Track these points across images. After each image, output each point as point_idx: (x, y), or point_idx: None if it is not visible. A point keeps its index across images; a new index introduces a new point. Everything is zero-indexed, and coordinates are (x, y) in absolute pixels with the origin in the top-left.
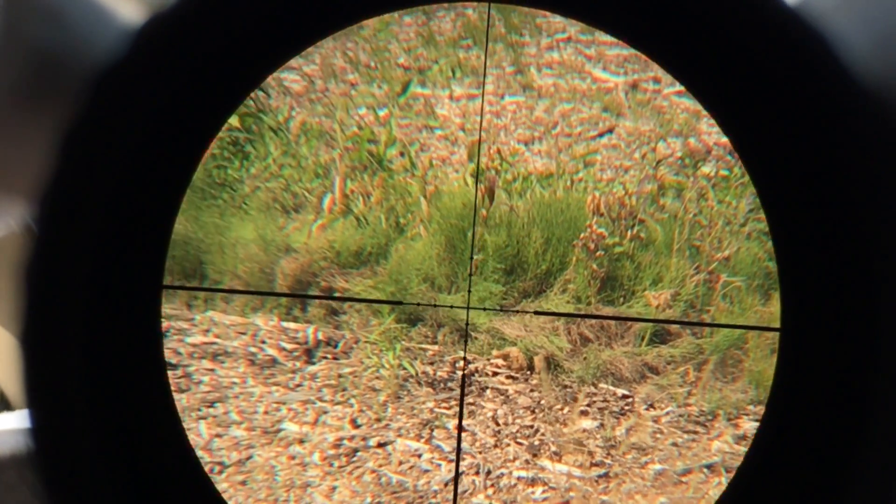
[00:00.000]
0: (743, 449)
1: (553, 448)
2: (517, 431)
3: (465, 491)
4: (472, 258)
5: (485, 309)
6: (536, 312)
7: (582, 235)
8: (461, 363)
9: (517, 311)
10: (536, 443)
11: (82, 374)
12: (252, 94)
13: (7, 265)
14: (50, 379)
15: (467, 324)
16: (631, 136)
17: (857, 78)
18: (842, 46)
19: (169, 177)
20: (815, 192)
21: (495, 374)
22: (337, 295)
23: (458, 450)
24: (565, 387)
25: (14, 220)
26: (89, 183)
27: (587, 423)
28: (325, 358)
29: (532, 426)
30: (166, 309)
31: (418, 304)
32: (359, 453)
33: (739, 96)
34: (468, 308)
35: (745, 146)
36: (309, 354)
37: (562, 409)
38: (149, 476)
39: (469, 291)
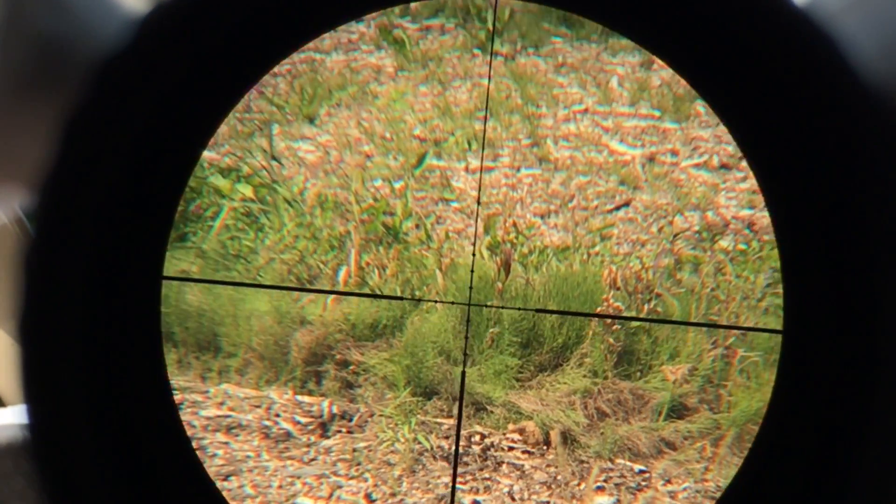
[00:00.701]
0: None
1: None
2: None
3: None
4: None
5: (486, 306)
6: (538, 310)
7: (598, 309)
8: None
9: (519, 309)
10: None
11: (80, 366)
12: (267, 164)
13: (4, 255)
14: (48, 372)
15: (468, 322)
16: (648, 210)
17: (865, 80)
18: (850, 48)
19: (171, 166)
20: (821, 193)
21: (511, 448)
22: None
23: (456, 456)
24: (582, 462)
25: (13, 210)
26: (90, 172)
27: (603, 500)
28: (340, 432)
29: (548, 502)
30: (180, 381)
31: (419, 300)
32: None
33: (746, 96)
34: (469, 305)
35: (751, 146)
36: (324, 428)
37: (578, 484)
38: (147, 470)
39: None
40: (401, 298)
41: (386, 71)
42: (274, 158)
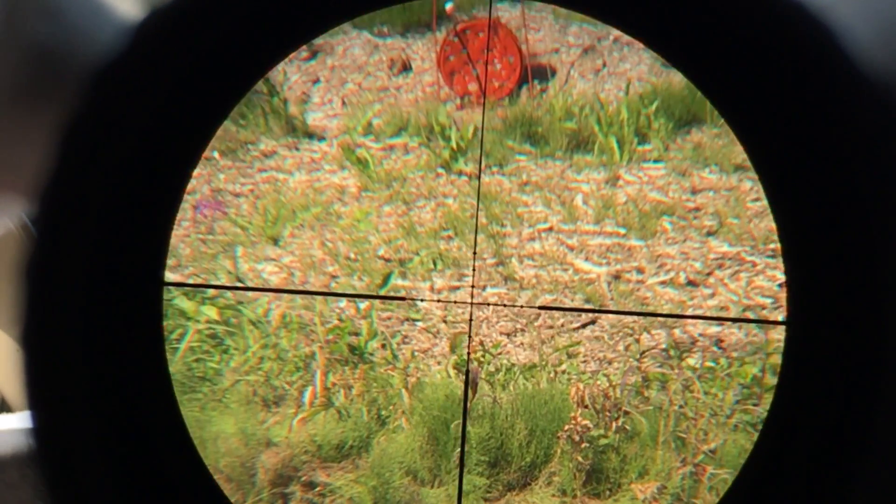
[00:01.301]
0: None
1: None
2: None
3: None
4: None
5: (488, 304)
6: (541, 308)
7: (566, 427)
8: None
9: (521, 307)
10: None
11: (83, 373)
12: (230, 290)
13: (6, 264)
14: (51, 378)
15: (471, 319)
16: (614, 328)
17: (861, 69)
18: (846, 37)
19: (169, 173)
20: (821, 183)
21: None
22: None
23: (462, 454)
24: None
25: (13, 219)
26: (89, 180)
27: None
28: None
29: None
30: None
31: (420, 300)
32: None
33: (742, 87)
34: (472, 304)
35: (750, 139)
36: None
37: None
38: (152, 475)
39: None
40: (402, 299)
41: (349, 191)
42: (238, 280)
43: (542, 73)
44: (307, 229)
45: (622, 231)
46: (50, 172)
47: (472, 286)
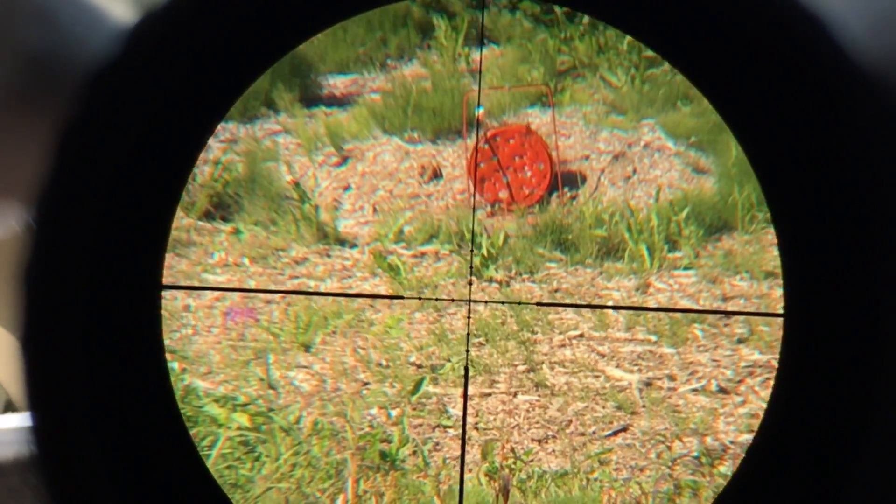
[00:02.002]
0: None
1: None
2: None
3: None
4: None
5: (487, 302)
6: (539, 304)
7: None
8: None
9: (520, 304)
10: None
11: (83, 375)
12: (263, 392)
13: (6, 268)
14: (51, 381)
15: (469, 317)
16: (646, 435)
17: (855, 60)
18: (840, 31)
19: (165, 176)
20: (816, 176)
21: None
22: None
23: (463, 445)
24: None
25: (11, 223)
26: (86, 184)
27: None
28: None
29: None
30: None
31: (420, 299)
32: None
33: (737, 80)
34: (469, 301)
35: (744, 132)
36: None
37: None
38: (152, 477)
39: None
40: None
41: (381, 299)
42: (271, 387)
43: (573, 180)
44: (339, 336)
45: (653, 338)
46: (47, 177)
47: (470, 282)
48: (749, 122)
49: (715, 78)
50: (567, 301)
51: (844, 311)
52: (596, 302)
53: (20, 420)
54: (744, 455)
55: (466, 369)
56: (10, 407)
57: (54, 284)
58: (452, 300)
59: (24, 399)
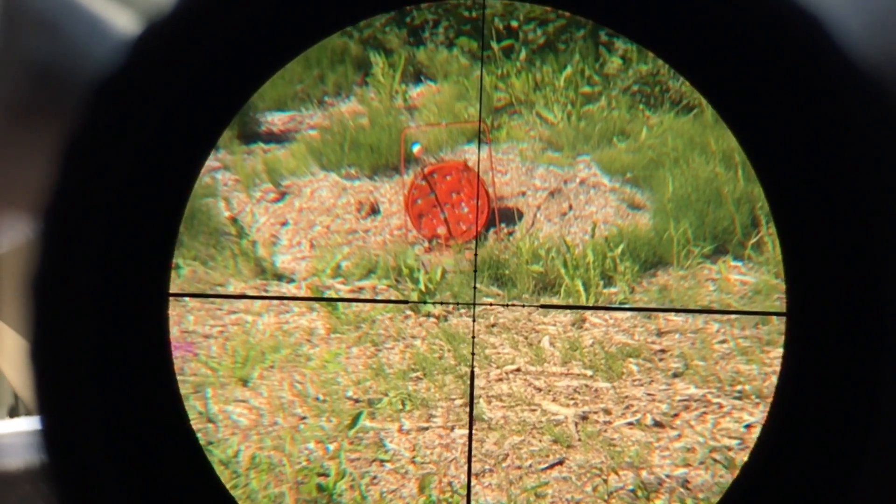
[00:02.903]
0: None
1: None
2: None
3: None
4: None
5: (490, 304)
6: (542, 306)
7: None
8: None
9: (523, 306)
10: None
11: (92, 383)
12: (202, 425)
13: (14, 278)
14: (60, 389)
15: (473, 318)
16: (582, 468)
17: (852, 59)
18: (837, 28)
19: (171, 184)
20: (816, 175)
21: None
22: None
23: (470, 447)
24: None
25: (19, 234)
26: (91, 194)
27: None
28: None
29: None
30: None
31: (425, 302)
32: None
33: (736, 80)
34: (474, 304)
35: (744, 132)
36: None
37: None
38: (160, 481)
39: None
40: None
41: (318, 333)
42: (209, 421)
43: (510, 216)
44: (276, 371)
45: (589, 373)
46: (53, 188)
47: (475, 287)
48: (748, 122)
49: (713, 78)
50: (505, 336)
51: (846, 310)
52: (532, 337)
53: (29, 425)
54: (749, 452)
55: (472, 373)
56: (18, 411)
57: (62, 293)
58: (458, 303)
59: (34, 405)
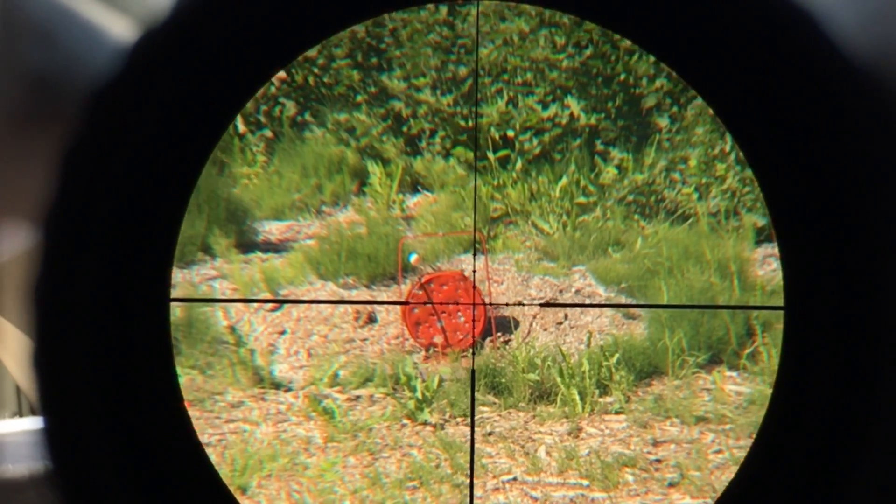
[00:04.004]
0: None
1: None
2: None
3: None
4: None
5: (492, 305)
6: (542, 304)
7: None
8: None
9: (523, 305)
10: None
11: (94, 388)
12: None
13: (16, 285)
14: (63, 394)
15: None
16: None
17: (847, 55)
18: (831, 24)
19: (170, 190)
20: (812, 170)
21: None
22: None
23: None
24: None
25: (19, 242)
26: (91, 200)
27: None
28: None
29: None
30: None
31: (425, 303)
32: None
33: (730, 78)
34: (474, 305)
35: (739, 128)
36: None
37: None
38: (162, 483)
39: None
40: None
41: (316, 441)
42: None
43: (506, 325)
44: (274, 479)
45: (585, 483)
46: (53, 196)
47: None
48: (743, 119)
49: (708, 76)
50: (501, 445)
51: (844, 304)
52: (528, 446)
53: (33, 426)
54: (748, 448)
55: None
56: (22, 414)
57: (64, 299)
58: (460, 303)
59: (37, 410)
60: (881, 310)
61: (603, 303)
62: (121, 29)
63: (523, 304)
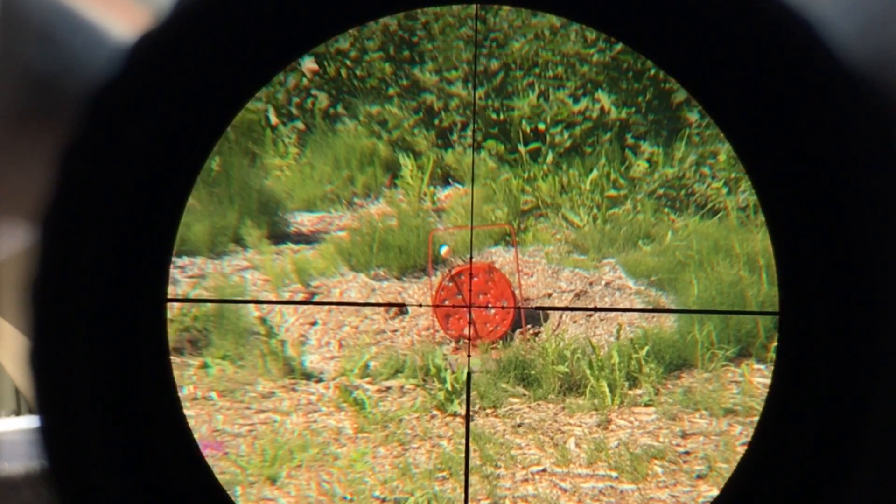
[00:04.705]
0: None
1: None
2: None
3: None
4: None
5: (489, 307)
6: (542, 308)
7: None
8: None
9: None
10: None
11: (92, 387)
12: None
13: (14, 285)
14: (59, 393)
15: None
16: None
17: (843, 61)
18: (828, 30)
19: (168, 190)
20: (807, 174)
21: None
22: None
23: (467, 448)
24: None
25: (17, 241)
26: (90, 201)
27: None
28: None
29: None
30: None
31: (420, 305)
32: None
33: (727, 83)
34: (470, 307)
35: (735, 133)
36: None
37: None
38: (160, 484)
39: None
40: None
41: (346, 432)
42: None
43: (535, 317)
44: (304, 470)
45: (614, 474)
46: (52, 195)
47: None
48: (739, 124)
49: (704, 80)
50: (530, 437)
51: (838, 308)
52: (557, 438)
53: (29, 428)
54: (743, 452)
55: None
56: (19, 412)
57: (61, 299)
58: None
59: (34, 409)
60: (876, 315)
61: (602, 306)
62: (120, 29)
63: (559, 309)
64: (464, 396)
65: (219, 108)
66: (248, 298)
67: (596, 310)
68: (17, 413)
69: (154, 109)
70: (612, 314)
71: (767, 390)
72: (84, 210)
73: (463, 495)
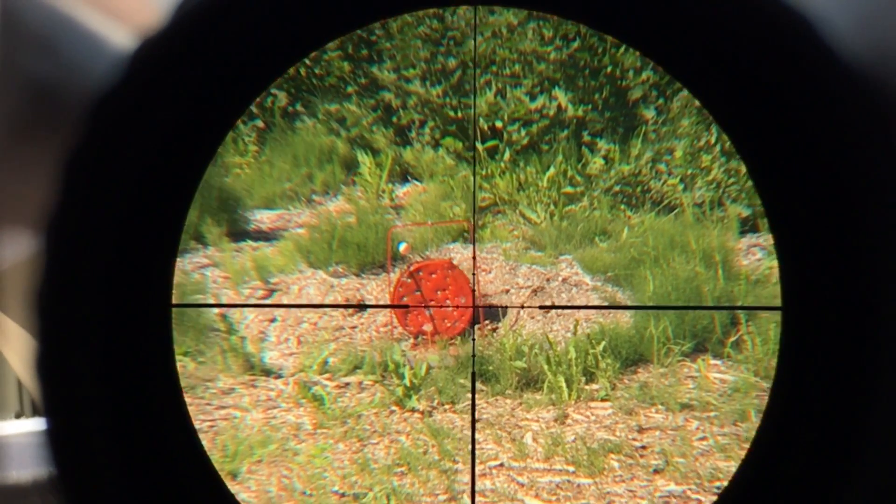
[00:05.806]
0: None
1: None
2: None
3: None
4: None
5: (490, 307)
6: (541, 307)
7: None
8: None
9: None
10: None
11: (98, 392)
12: None
13: (19, 291)
14: (66, 397)
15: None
16: None
17: (842, 57)
18: (826, 27)
19: (171, 196)
20: (808, 170)
21: None
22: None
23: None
24: None
25: (22, 249)
26: (94, 208)
27: None
28: None
29: None
30: None
31: (426, 306)
32: None
33: (726, 81)
34: (474, 307)
35: (735, 131)
36: None
37: None
38: (166, 488)
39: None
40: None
41: (305, 428)
42: None
43: (494, 313)
44: (265, 465)
45: (571, 469)
46: (56, 203)
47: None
48: (739, 122)
49: (704, 79)
50: (488, 432)
51: (840, 303)
52: (515, 432)
53: (36, 432)
54: (747, 447)
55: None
56: (24, 415)
57: (66, 305)
58: (457, 306)
59: (41, 411)
60: (878, 310)
61: (601, 304)
62: (120, 38)
63: (523, 307)
64: (422, 392)
65: (219, 114)
66: (247, 302)
67: (585, 307)
68: (20, 416)
69: (155, 116)
70: (569, 310)
71: (770, 386)
72: (87, 217)
73: (467, 491)
